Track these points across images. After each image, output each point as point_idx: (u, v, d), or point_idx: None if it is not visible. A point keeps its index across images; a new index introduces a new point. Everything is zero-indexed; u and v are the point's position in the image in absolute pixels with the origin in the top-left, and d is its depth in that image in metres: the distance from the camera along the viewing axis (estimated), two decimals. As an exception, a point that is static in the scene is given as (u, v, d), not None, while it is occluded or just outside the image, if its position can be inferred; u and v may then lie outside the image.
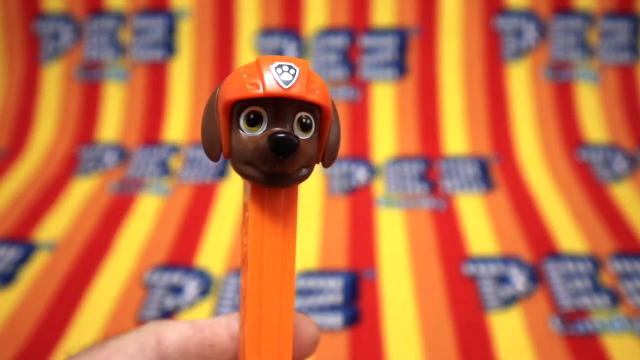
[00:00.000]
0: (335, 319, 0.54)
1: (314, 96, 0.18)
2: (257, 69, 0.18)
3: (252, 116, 0.18)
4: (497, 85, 0.84)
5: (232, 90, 0.18)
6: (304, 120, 0.19)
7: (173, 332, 0.21)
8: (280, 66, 0.18)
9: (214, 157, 0.19)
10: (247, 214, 0.19)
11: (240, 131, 0.18)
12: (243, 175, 0.19)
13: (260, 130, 0.18)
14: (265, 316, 0.19)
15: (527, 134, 0.81)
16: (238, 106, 0.18)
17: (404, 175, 0.75)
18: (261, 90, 0.18)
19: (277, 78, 0.18)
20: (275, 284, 0.19)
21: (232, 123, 0.19)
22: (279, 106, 0.18)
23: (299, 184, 0.19)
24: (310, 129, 0.19)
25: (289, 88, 0.18)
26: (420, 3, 0.85)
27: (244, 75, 0.18)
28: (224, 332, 0.21)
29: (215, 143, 0.19)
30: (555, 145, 0.80)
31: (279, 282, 0.19)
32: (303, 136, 0.19)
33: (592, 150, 0.79)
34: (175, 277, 0.59)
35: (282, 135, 0.17)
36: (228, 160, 0.19)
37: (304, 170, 0.19)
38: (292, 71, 0.18)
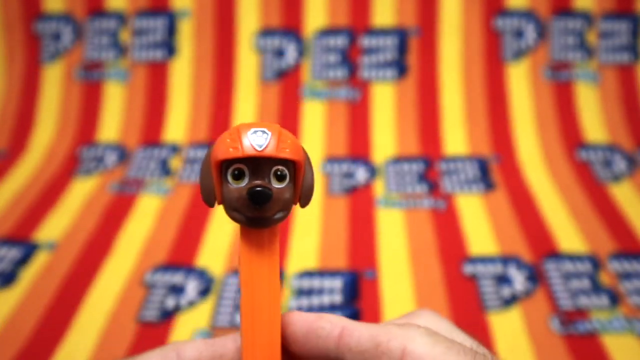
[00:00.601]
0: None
1: (283, 154, 0.23)
2: (237, 135, 0.23)
3: (236, 172, 0.23)
4: (497, 86, 0.84)
5: (220, 151, 0.23)
6: (278, 173, 0.23)
7: (190, 348, 0.25)
8: (255, 132, 0.23)
9: (210, 203, 0.24)
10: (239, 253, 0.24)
11: (228, 184, 0.23)
12: (232, 218, 0.23)
13: (243, 183, 0.23)
14: (258, 331, 0.23)
15: (527, 134, 0.81)
16: (226, 164, 0.23)
17: (404, 175, 0.75)
18: (240, 153, 0.22)
19: (252, 142, 0.22)
20: (264, 305, 0.23)
21: (222, 177, 0.23)
22: (257, 163, 0.23)
23: (278, 224, 0.24)
24: (285, 179, 0.23)
25: (262, 150, 0.22)
26: (420, 3, 0.86)
27: (228, 140, 0.23)
28: (231, 345, 0.25)
29: (211, 193, 0.23)
30: (555, 146, 0.80)
31: (267, 303, 0.24)
32: (279, 185, 0.23)
33: (591, 150, 0.79)
34: (176, 277, 0.59)
35: (258, 188, 0.22)
36: (221, 205, 0.24)
37: (280, 214, 0.23)
38: (264, 135, 0.23)
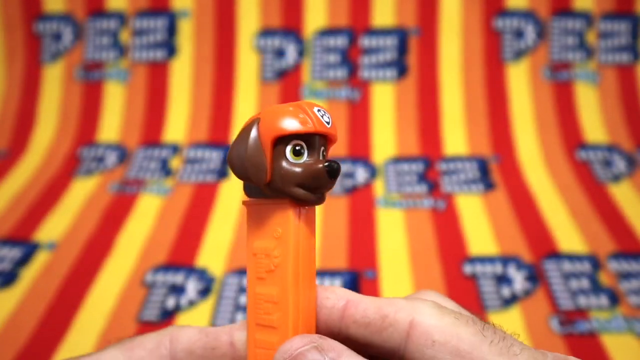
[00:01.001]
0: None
1: (337, 135, 0.23)
2: (305, 110, 0.23)
3: (297, 148, 0.23)
4: (497, 86, 0.84)
5: (285, 125, 0.22)
6: (324, 152, 0.23)
7: (184, 334, 0.25)
8: (319, 110, 0.23)
9: (261, 181, 0.23)
10: (279, 229, 0.23)
11: (285, 160, 0.23)
12: (294, 195, 0.23)
13: (303, 159, 0.23)
14: (303, 313, 0.23)
15: (526, 134, 0.81)
16: (283, 140, 0.23)
17: (404, 175, 0.75)
18: (313, 127, 0.23)
19: (322, 119, 0.23)
20: (307, 279, 0.23)
21: (275, 153, 0.23)
22: (314, 141, 0.23)
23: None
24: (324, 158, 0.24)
25: (330, 127, 0.23)
26: (420, 3, 0.86)
27: (294, 114, 0.23)
28: (225, 338, 0.25)
29: (263, 169, 0.23)
30: (554, 146, 0.80)
31: (310, 277, 0.24)
32: None
33: (591, 150, 0.79)
34: (176, 277, 0.59)
35: (336, 163, 0.22)
36: (264, 185, 0.23)
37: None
38: (328, 115, 0.23)
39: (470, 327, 0.22)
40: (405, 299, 0.23)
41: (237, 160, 0.23)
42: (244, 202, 0.25)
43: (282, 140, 0.23)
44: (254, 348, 0.24)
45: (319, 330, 0.23)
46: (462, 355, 0.22)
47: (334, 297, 0.24)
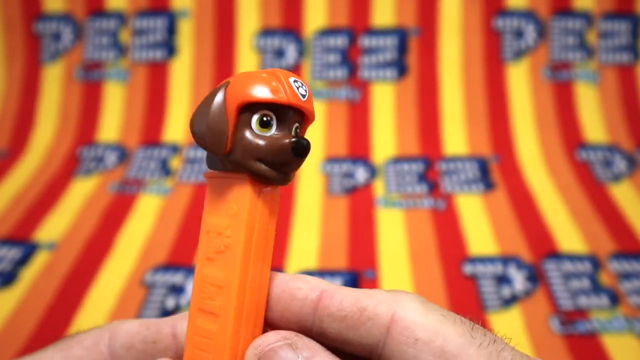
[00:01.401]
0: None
1: (314, 112, 0.21)
2: (279, 78, 0.20)
3: (265, 119, 0.20)
4: (497, 85, 0.84)
5: (255, 92, 0.20)
6: (297, 130, 0.21)
7: (123, 329, 0.23)
8: (295, 81, 0.21)
9: (219, 150, 0.20)
10: (234, 207, 0.21)
11: (250, 130, 0.20)
12: (253, 169, 0.20)
13: (270, 132, 0.20)
14: (250, 303, 0.21)
15: (527, 134, 0.81)
16: (250, 108, 0.20)
17: (404, 175, 0.75)
18: (286, 98, 0.20)
19: (297, 91, 0.20)
20: (259, 272, 0.21)
21: (239, 122, 0.20)
22: (286, 114, 0.21)
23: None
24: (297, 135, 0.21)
25: (305, 101, 0.21)
26: (420, 3, 0.86)
27: (267, 81, 0.20)
28: (167, 330, 0.23)
29: (223, 137, 0.20)
30: (555, 145, 0.80)
31: (261, 269, 0.21)
32: None
33: (591, 150, 0.79)
34: (176, 277, 0.59)
35: (305, 141, 0.20)
36: (225, 155, 0.21)
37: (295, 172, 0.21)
38: (305, 88, 0.21)
39: (458, 326, 0.20)
40: (386, 291, 0.21)
41: (198, 125, 0.21)
42: (204, 174, 0.22)
43: (249, 108, 0.20)
44: (192, 335, 0.21)
45: (288, 324, 0.21)
46: (447, 357, 0.19)
47: (307, 287, 0.21)
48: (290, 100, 0.20)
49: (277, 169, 0.20)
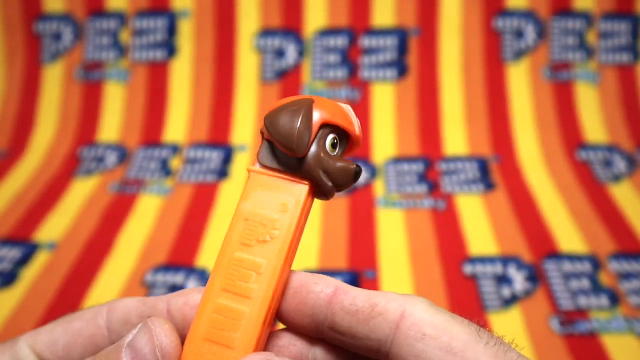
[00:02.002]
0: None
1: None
2: (351, 113, 0.25)
3: (335, 140, 0.24)
4: (497, 85, 0.84)
5: (339, 118, 0.24)
6: (342, 154, 0.25)
7: (121, 304, 0.24)
8: (356, 118, 0.25)
9: (299, 152, 0.23)
10: (288, 205, 0.24)
11: (323, 147, 0.24)
12: (319, 179, 0.23)
13: (336, 153, 0.24)
14: (280, 288, 0.23)
15: (527, 134, 0.81)
16: (327, 129, 0.24)
17: (404, 175, 0.75)
18: (357, 131, 0.25)
19: (359, 126, 0.25)
20: (290, 264, 0.24)
21: (317, 136, 0.24)
22: (346, 141, 0.25)
23: None
24: None
25: (360, 135, 0.25)
26: (420, 3, 0.86)
27: (349, 114, 0.25)
28: (162, 306, 0.24)
29: (307, 141, 0.23)
30: (555, 146, 0.80)
31: (291, 263, 0.24)
32: None
33: (591, 150, 0.79)
34: (176, 277, 0.59)
35: (361, 169, 0.24)
36: (297, 157, 0.24)
37: None
38: (359, 124, 0.25)
39: (466, 326, 0.21)
40: (398, 293, 0.23)
41: (285, 124, 0.23)
42: (251, 169, 0.24)
43: (327, 127, 0.24)
44: (210, 312, 0.23)
45: (302, 317, 0.23)
46: (454, 352, 0.20)
47: (323, 282, 0.23)
48: (358, 134, 0.25)
49: (335, 185, 0.24)
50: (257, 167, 0.24)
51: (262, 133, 0.25)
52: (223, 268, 0.23)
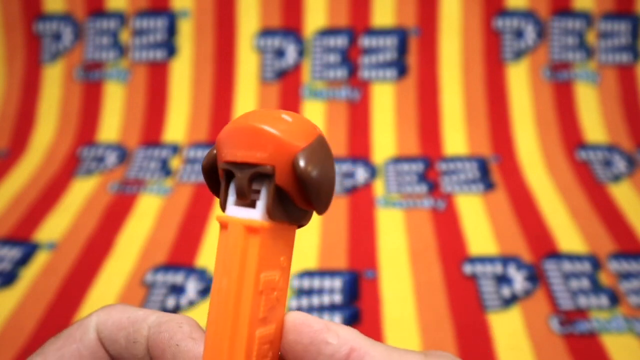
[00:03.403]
0: (336, 319, 0.54)
1: None
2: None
3: None
4: (497, 86, 0.84)
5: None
6: None
7: (109, 322, 0.22)
8: None
9: (330, 202, 0.20)
10: (282, 258, 0.20)
11: None
12: (305, 222, 0.21)
13: None
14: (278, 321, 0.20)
15: (526, 134, 0.81)
16: None
17: (404, 175, 0.75)
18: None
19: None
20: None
21: None
22: None
23: None
24: None
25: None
26: (420, 3, 0.86)
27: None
28: (145, 334, 0.22)
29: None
30: (555, 146, 0.80)
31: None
32: None
33: (591, 150, 0.79)
34: (176, 277, 0.59)
35: None
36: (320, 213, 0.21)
37: None
38: None
39: None
40: (423, 354, 0.20)
41: (329, 177, 0.20)
42: (263, 228, 0.19)
43: None
44: None
45: None
46: None
47: (337, 342, 0.19)
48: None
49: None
50: (266, 221, 0.19)
51: (268, 175, 0.19)
52: (247, 350, 0.19)
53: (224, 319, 0.19)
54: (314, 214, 0.21)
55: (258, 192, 0.19)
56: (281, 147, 0.19)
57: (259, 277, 0.19)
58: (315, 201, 0.19)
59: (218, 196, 0.21)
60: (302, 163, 0.19)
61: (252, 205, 0.20)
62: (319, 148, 0.20)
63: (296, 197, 0.19)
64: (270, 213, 0.19)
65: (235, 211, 0.20)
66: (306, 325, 0.20)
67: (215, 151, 0.20)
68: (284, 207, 0.20)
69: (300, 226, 0.21)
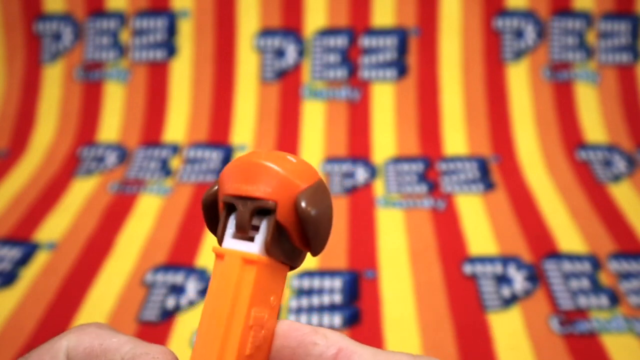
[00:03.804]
0: (335, 319, 0.54)
1: None
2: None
3: None
4: (497, 86, 0.84)
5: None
6: None
7: (81, 347, 0.21)
8: None
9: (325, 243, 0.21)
10: (272, 297, 0.21)
11: None
12: (299, 263, 0.21)
13: None
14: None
15: (527, 134, 0.81)
16: None
17: (404, 175, 0.75)
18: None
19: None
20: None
21: None
22: None
23: None
24: None
25: None
26: (420, 3, 0.86)
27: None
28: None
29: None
30: (555, 146, 0.80)
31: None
32: None
33: (591, 150, 0.79)
34: (176, 277, 0.59)
35: None
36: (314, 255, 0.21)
37: None
38: None
39: None
40: (413, 356, 0.20)
41: (328, 219, 0.20)
42: (260, 261, 0.20)
43: None
44: None
45: None
46: None
47: (324, 342, 0.19)
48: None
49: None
50: (263, 255, 0.20)
51: (268, 210, 0.20)
52: None
53: (212, 347, 0.19)
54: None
55: (256, 228, 0.20)
56: (284, 185, 0.20)
57: (250, 311, 0.19)
58: (313, 240, 0.20)
59: (214, 233, 0.21)
60: (304, 201, 0.20)
61: (250, 240, 0.20)
62: (320, 191, 0.20)
63: (294, 234, 0.20)
64: (268, 248, 0.20)
65: (233, 244, 0.20)
66: (294, 330, 0.20)
67: (216, 187, 0.21)
68: (281, 244, 0.20)
69: (292, 268, 0.21)
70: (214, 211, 0.21)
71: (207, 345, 0.19)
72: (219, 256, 0.20)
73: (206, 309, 0.20)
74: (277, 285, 0.20)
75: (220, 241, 0.20)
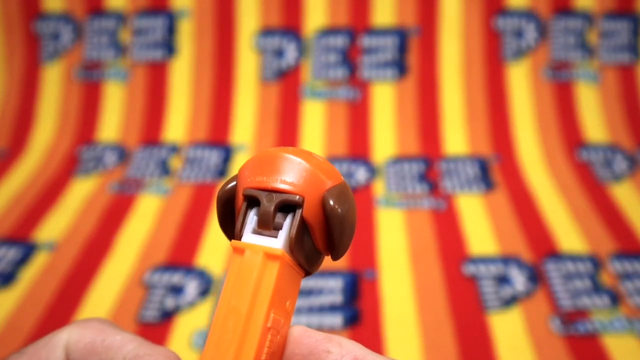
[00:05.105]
0: (335, 319, 0.54)
1: None
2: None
3: None
4: (497, 85, 0.84)
5: None
6: None
7: (80, 343, 0.20)
8: None
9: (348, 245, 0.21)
10: (287, 303, 0.20)
11: None
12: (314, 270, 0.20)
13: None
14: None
15: (527, 134, 0.81)
16: None
17: (404, 175, 0.75)
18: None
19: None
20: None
21: None
22: None
23: None
24: None
25: None
26: (420, 3, 0.85)
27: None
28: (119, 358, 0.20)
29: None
30: (555, 145, 0.80)
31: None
32: None
33: (592, 150, 0.79)
34: (176, 277, 0.59)
35: None
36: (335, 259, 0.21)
37: None
38: None
39: None
40: None
41: (353, 221, 0.20)
42: (285, 258, 0.19)
43: None
44: None
45: None
46: None
47: (338, 351, 0.19)
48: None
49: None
50: (287, 252, 0.19)
51: (294, 205, 0.19)
52: None
53: (227, 348, 0.18)
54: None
55: (278, 225, 0.19)
56: (313, 180, 0.19)
57: (270, 311, 0.18)
58: (337, 240, 0.19)
59: (226, 231, 0.20)
60: (332, 199, 0.19)
61: (272, 236, 0.19)
62: (346, 191, 0.20)
63: (317, 234, 0.19)
64: (292, 245, 0.19)
65: (254, 239, 0.19)
66: (306, 336, 0.19)
67: (234, 182, 0.20)
68: (303, 244, 0.19)
69: (307, 274, 0.20)
70: (229, 207, 0.20)
71: (221, 346, 0.18)
72: (239, 251, 0.19)
73: (221, 306, 0.19)
74: (293, 290, 0.20)
75: (239, 236, 0.19)
